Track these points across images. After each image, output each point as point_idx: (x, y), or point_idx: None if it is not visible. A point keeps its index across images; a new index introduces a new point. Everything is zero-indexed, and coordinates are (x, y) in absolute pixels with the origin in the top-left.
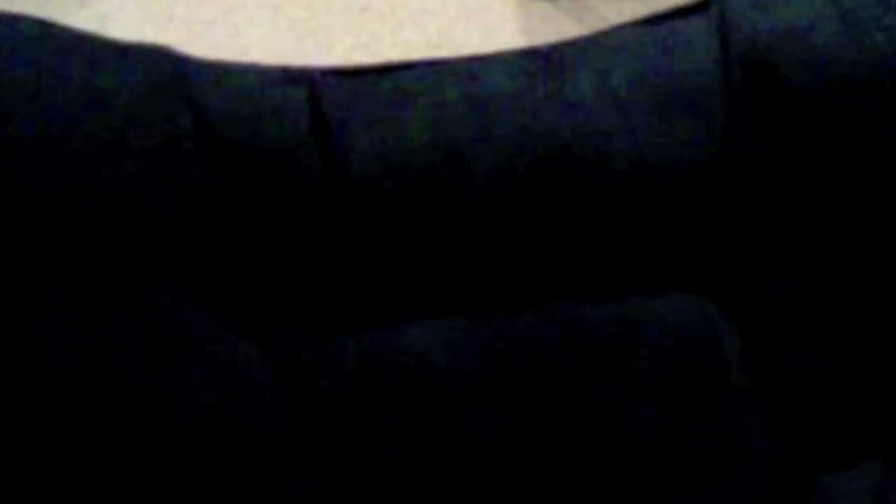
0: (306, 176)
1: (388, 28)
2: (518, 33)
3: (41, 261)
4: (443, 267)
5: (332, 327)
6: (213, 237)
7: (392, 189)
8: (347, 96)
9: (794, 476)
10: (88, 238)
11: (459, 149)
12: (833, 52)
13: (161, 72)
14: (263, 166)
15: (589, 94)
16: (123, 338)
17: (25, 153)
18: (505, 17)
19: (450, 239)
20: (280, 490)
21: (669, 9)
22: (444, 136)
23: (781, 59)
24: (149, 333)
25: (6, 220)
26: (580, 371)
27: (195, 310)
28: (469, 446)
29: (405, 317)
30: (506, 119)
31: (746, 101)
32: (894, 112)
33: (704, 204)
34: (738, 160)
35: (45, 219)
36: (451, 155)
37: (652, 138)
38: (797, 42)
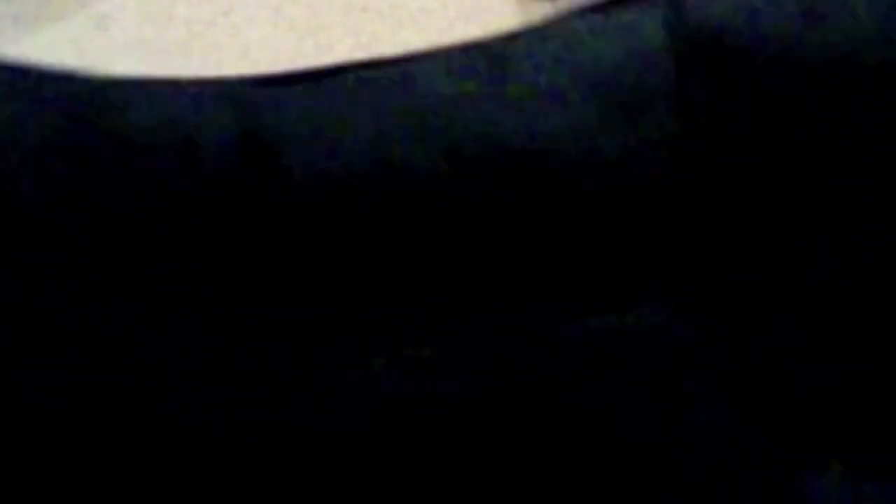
0: (245, 203)
1: (388, 28)
2: None
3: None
4: (401, 289)
5: (295, 361)
6: (158, 276)
7: (338, 211)
8: (282, 111)
9: (770, 478)
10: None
11: (402, 162)
12: (792, 39)
13: (77, 100)
14: (198, 196)
15: (534, 92)
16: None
17: None
18: (505, 17)
19: (403, 259)
20: None
21: None
22: (386, 149)
23: (737, 47)
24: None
25: None
26: (556, 389)
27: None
28: (458, 466)
29: (369, 348)
30: (446, 125)
31: (703, 95)
32: (859, 97)
33: (667, 207)
34: (698, 158)
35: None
36: (394, 169)
37: (605, 139)
38: (753, 28)
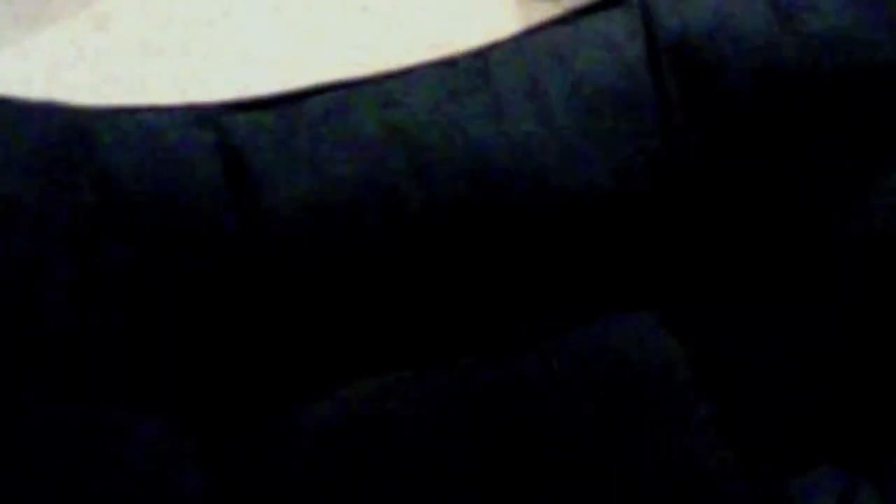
0: (224, 228)
1: (388, 28)
2: None
3: None
4: (379, 312)
5: (273, 393)
6: (137, 313)
7: (319, 234)
8: (259, 134)
9: (760, 483)
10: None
11: (387, 183)
12: (767, 41)
13: (56, 131)
14: (177, 223)
15: (519, 107)
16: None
17: None
18: (505, 17)
19: (384, 282)
20: None
21: (588, 3)
22: (369, 170)
23: (713, 51)
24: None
25: None
26: (528, 414)
27: (129, 396)
28: (435, 490)
29: (347, 375)
30: (432, 144)
31: (680, 101)
32: (835, 99)
33: (647, 219)
34: (677, 166)
35: None
36: (378, 190)
37: (587, 154)
38: (728, 32)
